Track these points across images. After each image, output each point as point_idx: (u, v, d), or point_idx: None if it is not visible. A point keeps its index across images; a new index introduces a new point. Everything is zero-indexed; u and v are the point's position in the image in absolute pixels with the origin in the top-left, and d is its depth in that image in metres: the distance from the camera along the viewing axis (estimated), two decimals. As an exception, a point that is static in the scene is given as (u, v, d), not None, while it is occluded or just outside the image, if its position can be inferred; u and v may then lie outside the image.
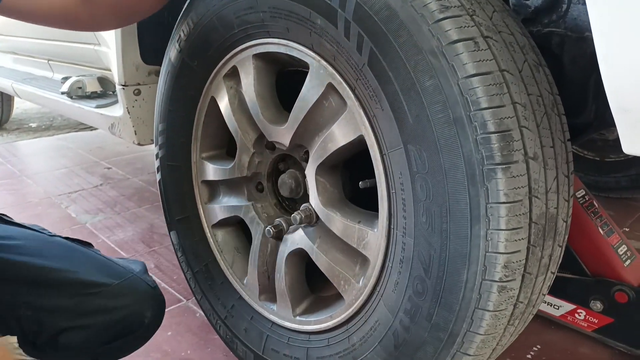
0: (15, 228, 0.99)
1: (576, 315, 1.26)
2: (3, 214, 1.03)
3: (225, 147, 1.18)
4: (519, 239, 0.69)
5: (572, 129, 0.79)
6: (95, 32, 1.60)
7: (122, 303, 0.93)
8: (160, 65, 1.23)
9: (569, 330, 1.30)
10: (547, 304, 1.31)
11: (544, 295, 0.84)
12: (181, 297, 1.52)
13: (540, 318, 1.34)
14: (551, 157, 0.74)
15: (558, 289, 1.23)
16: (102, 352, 0.96)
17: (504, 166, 0.66)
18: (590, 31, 0.80)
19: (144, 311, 0.97)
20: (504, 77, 0.68)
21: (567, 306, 1.27)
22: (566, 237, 0.82)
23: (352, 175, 0.96)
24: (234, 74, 1.04)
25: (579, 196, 1.21)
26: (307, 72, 0.88)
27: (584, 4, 0.79)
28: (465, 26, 0.68)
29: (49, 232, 1.01)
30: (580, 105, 0.85)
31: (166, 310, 1.39)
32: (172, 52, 1.12)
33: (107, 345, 0.95)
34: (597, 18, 0.60)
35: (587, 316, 1.24)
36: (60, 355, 0.95)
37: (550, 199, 0.74)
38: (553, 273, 0.82)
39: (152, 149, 1.29)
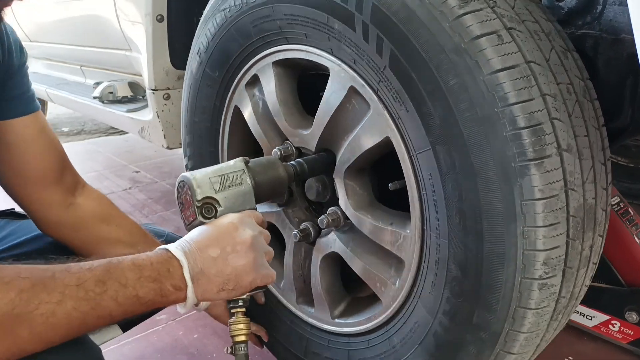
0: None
1: (610, 326, 1.22)
2: (11, 209, 1.02)
3: (253, 155, 1.19)
4: (558, 235, 0.67)
5: (607, 133, 0.76)
6: (127, 37, 1.63)
7: None
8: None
9: (603, 341, 1.25)
10: (580, 315, 1.26)
11: (587, 286, 0.82)
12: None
13: (573, 329, 1.29)
14: (586, 146, 0.71)
15: (592, 299, 1.18)
16: None
17: (537, 161, 0.64)
18: (626, 33, 0.77)
19: None
20: (531, 68, 0.66)
21: (601, 317, 1.23)
22: (607, 225, 0.79)
23: (382, 176, 0.95)
24: (255, 82, 1.04)
25: (613, 203, 1.17)
26: (329, 74, 0.88)
27: (620, 4, 0.76)
28: (486, 20, 0.66)
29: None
30: (615, 109, 0.82)
31: (193, 312, 1.43)
32: (193, 64, 1.13)
33: None
34: (639, 19, 0.57)
35: (622, 327, 1.20)
36: None
37: (588, 190, 0.72)
38: (595, 264, 0.80)
39: (180, 153, 1.31)
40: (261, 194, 0.81)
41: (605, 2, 0.77)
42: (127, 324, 1.05)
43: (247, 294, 0.74)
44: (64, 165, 0.97)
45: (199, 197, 0.73)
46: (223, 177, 0.76)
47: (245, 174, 0.79)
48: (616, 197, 1.19)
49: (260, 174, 0.82)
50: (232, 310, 0.75)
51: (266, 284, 0.75)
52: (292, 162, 0.92)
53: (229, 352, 0.74)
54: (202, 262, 0.66)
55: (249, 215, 0.76)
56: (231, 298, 0.73)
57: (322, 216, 0.96)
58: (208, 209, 0.74)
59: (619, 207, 1.18)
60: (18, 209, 1.01)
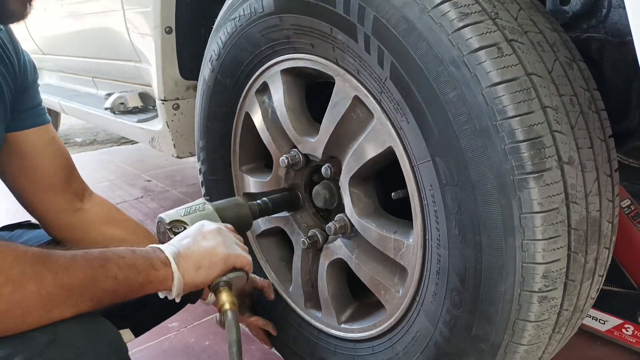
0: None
1: (623, 330, 1.19)
2: (28, 221, 1.09)
3: (263, 159, 1.21)
4: (558, 248, 0.67)
5: (615, 136, 0.75)
6: (136, 49, 1.67)
7: None
8: (197, 80, 1.27)
9: (616, 346, 1.23)
10: (593, 319, 1.24)
11: (593, 299, 0.80)
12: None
13: (586, 333, 1.27)
14: (590, 158, 0.70)
15: (604, 303, 1.16)
16: (176, 305, 1.05)
17: (536, 175, 0.64)
18: (632, 36, 0.75)
19: None
20: (532, 81, 0.66)
21: (614, 321, 1.20)
22: (613, 238, 0.78)
23: (387, 184, 0.95)
24: (265, 90, 1.06)
25: (624, 206, 1.14)
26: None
27: (625, 7, 0.75)
28: (487, 32, 0.66)
29: None
30: (622, 111, 0.81)
31: (204, 320, 1.46)
32: (205, 72, 1.15)
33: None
34: (637, 22, 0.57)
35: (636, 331, 1.17)
36: (142, 317, 1.04)
37: (592, 203, 0.71)
38: (601, 276, 0.79)
39: (190, 161, 1.33)
40: (226, 220, 0.90)
41: (610, 5, 0.75)
42: (139, 329, 1.09)
43: (227, 275, 0.79)
44: (72, 173, 1.04)
45: (168, 221, 0.87)
46: (187, 208, 0.90)
47: (207, 204, 0.91)
48: (627, 200, 1.16)
49: (221, 205, 0.94)
50: (216, 292, 0.79)
51: (243, 267, 0.81)
52: (257, 201, 1.03)
53: (217, 321, 0.76)
54: (178, 248, 0.78)
55: (218, 223, 0.87)
56: (212, 277, 0.78)
57: (330, 223, 0.97)
58: (177, 227, 0.86)
59: (629, 210, 1.15)
60: (34, 220, 1.06)
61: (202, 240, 0.79)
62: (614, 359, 1.22)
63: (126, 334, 1.04)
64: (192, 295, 1.07)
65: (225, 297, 0.77)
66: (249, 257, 0.83)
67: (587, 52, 0.80)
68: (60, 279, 0.65)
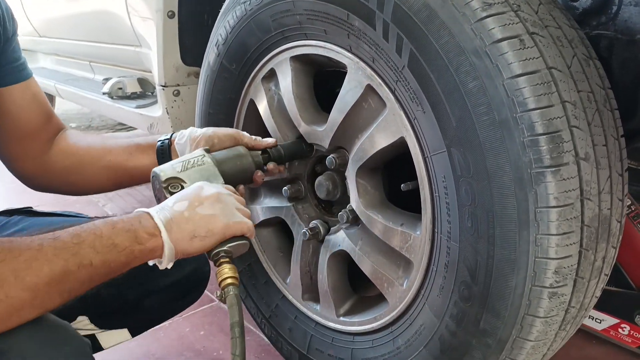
0: (59, 219, 1.02)
1: (620, 329, 1.20)
2: (29, 208, 1.06)
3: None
4: (571, 244, 0.67)
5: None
6: (137, 33, 1.64)
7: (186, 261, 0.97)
8: (199, 67, 1.26)
9: (612, 345, 1.23)
10: (589, 318, 1.24)
11: (597, 297, 0.81)
12: (213, 297, 1.53)
13: (581, 332, 1.27)
14: (604, 156, 0.70)
15: (600, 302, 1.16)
16: (176, 308, 1.10)
17: (554, 169, 0.64)
18: None
19: (203, 265, 1.08)
20: (552, 75, 0.66)
21: (610, 320, 1.21)
22: (620, 237, 0.78)
23: (394, 176, 0.95)
24: (272, 77, 1.04)
25: None
26: (345, 72, 0.88)
27: (636, 5, 0.75)
28: (509, 23, 0.66)
29: (87, 216, 1.04)
30: (629, 110, 0.81)
31: (199, 309, 1.46)
32: (210, 56, 1.13)
33: (179, 301, 1.04)
34: None
35: (632, 331, 1.18)
36: (140, 317, 1.03)
37: (604, 200, 0.71)
38: (607, 275, 0.79)
39: (186, 149, 1.30)
40: (227, 174, 0.83)
41: (620, 3, 0.76)
42: (137, 329, 1.06)
43: (227, 245, 0.73)
44: (48, 120, 1.00)
45: (163, 179, 0.79)
46: (184, 162, 0.81)
47: (206, 157, 0.83)
48: (627, 200, 1.17)
49: (221, 157, 0.85)
50: (216, 263, 0.73)
51: (244, 234, 0.75)
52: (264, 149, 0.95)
53: (217, 297, 0.72)
54: (171, 213, 0.70)
55: (218, 185, 0.79)
56: (207, 247, 0.72)
57: (342, 211, 0.96)
58: (174, 186, 0.79)
59: (630, 210, 1.16)
60: (35, 207, 1.04)
61: (199, 207, 0.72)
62: (610, 358, 1.22)
63: (123, 333, 1.01)
64: (195, 293, 1.09)
65: (226, 271, 0.71)
66: (250, 223, 0.76)
67: (595, 50, 0.80)
68: (22, 279, 0.57)
